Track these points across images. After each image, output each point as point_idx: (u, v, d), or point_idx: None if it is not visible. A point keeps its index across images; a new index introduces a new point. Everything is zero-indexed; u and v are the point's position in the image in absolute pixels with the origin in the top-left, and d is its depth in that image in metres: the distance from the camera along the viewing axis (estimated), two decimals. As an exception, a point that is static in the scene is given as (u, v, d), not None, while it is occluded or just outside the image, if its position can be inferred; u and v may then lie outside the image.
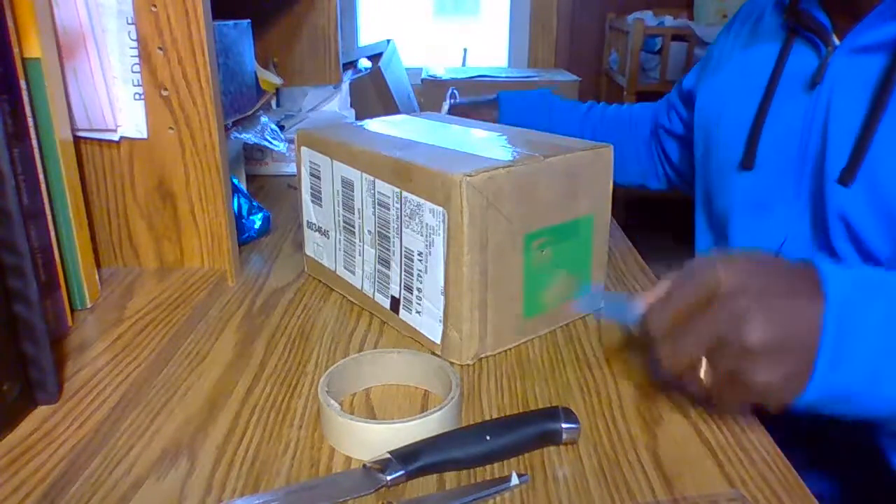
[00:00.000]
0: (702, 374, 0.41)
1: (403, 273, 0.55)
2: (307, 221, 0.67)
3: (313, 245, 0.67)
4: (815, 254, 0.61)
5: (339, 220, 0.62)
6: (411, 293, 0.55)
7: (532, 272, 0.54)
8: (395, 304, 0.57)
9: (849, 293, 0.40)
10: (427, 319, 0.54)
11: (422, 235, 0.52)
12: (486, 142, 0.58)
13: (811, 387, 0.40)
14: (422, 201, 0.51)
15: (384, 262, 0.57)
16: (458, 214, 0.48)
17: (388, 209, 0.55)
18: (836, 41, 0.60)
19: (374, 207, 0.56)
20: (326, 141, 0.61)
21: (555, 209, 0.54)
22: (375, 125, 0.67)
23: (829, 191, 0.58)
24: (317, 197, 0.64)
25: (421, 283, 0.53)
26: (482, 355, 0.53)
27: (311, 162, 0.64)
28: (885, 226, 0.54)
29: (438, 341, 0.53)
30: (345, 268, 0.63)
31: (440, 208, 0.49)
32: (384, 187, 0.54)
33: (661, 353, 0.42)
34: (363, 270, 0.60)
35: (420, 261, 0.53)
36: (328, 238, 0.64)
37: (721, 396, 0.42)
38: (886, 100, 0.54)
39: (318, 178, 0.63)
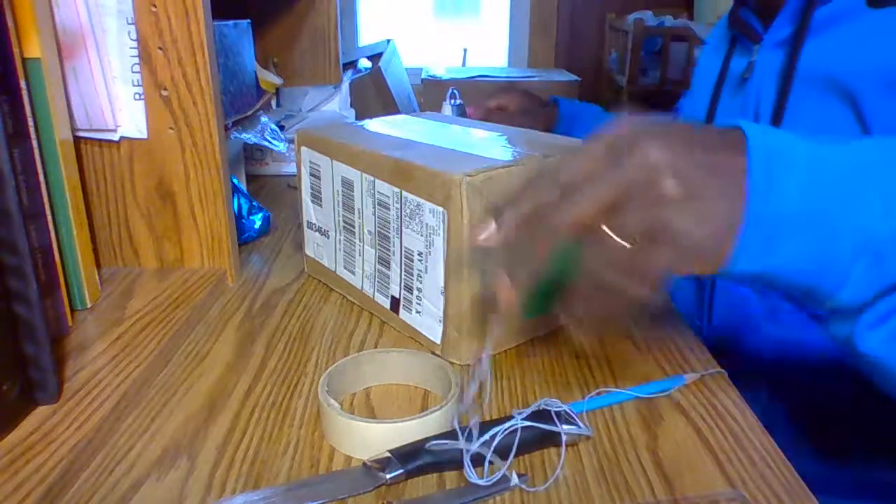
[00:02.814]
0: (613, 238, 0.35)
1: (403, 273, 0.55)
2: (307, 221, 0.67)
3: (313, 245, 0.67)
4: None
5: (339, 220, 0.62)
6: (411, 293, 0.55)
7: (532, 272, 0.54)
8: (395, 304, 0.57)
9: (773, 140, 0.35)
10: (427, 319, 0.54)
11: (422, 235, 0.52)
12: (486, 142, 0.58)
13: (745, 235, 0.34)
14: (422, 201, 0.51)
15: (384, 262, 0.57)
16: (458, 214, 0.48)
17: (388, 209, 0.55)
18: None
19: (374, 207, 0.56)
20: (326, 141, 0.61)
21: (555, 209, 0.54)
22: (375, 125, 0.67)
23: None
24: (317, 197, 0.64)
25: (421, 283, 0.53)
26: (482, 355, 0.53)
27: (311, 162, 0.64)
28: None
29: (438, 341, 0.53)
30: (345, 268, 0.63)
31: (440, 208, 0.49)
32: (384, 187, 0.54)
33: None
34: (363, 270, 0.60)
35: (420, 261, 0.53)
36: (328, 238, 0.64)
37: (641, 264, 0.35)
38: (788, 88, 0.61)
39: (318, 178, 0.63)
